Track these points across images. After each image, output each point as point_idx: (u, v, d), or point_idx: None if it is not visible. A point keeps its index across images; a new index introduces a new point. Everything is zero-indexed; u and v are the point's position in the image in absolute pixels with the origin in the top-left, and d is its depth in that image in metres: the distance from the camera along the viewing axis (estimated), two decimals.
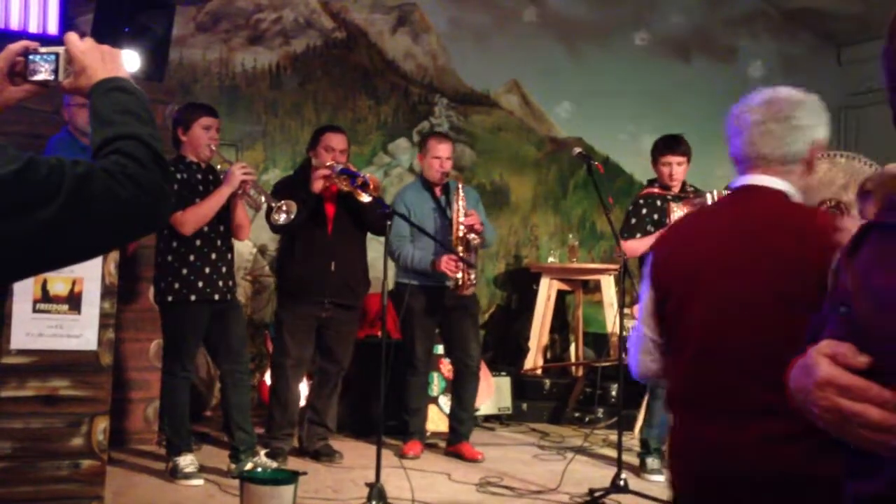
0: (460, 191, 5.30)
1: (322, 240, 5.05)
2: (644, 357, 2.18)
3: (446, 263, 5.13)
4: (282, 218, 4.73)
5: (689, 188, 5.27)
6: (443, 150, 5.38)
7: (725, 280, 2.00)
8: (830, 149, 3.99)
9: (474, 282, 5.28)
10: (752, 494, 1.89)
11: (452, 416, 5.49)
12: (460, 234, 5.24)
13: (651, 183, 5.39)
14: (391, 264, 4.80)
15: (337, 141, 5.09)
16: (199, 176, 4.70)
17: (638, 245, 5.01)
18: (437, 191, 5.42)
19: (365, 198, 4.84)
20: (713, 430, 1.96)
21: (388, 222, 4.52)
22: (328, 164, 4.95)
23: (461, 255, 5.15)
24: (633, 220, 5.21)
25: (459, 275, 5.15)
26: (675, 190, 5.19)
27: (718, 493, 1.95)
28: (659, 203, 5.17)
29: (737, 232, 2.03)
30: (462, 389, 5.42)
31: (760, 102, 2.05)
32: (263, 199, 4.82)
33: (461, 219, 5.24)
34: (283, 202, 4.74)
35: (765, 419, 1.84)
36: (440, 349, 5.75)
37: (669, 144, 5.21)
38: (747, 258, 1.98)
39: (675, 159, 5.16)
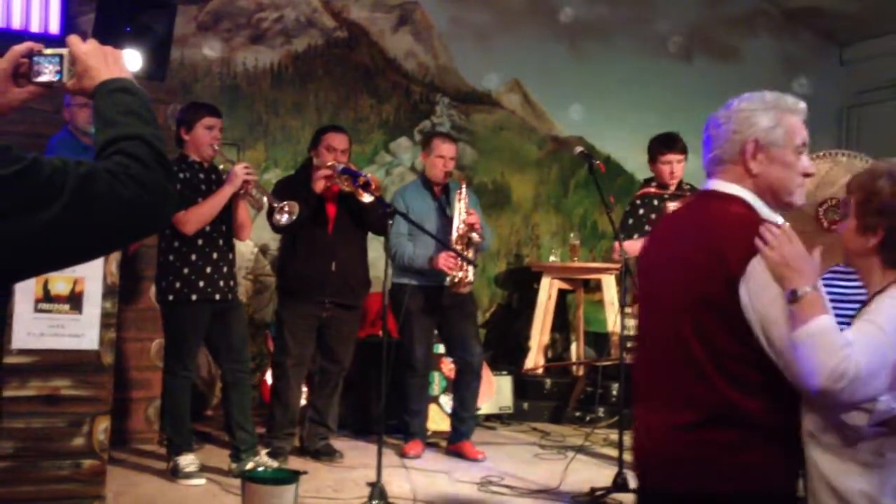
0: (463, 190, 5.30)
1: (323, 239, 5.05)
2: None
3: (444, 260, 5.13)
4: (283, 219, 4.73)
5: (686, 186, 5.26)
6: (447, 150, 5.38)
7: (657, 282, 2.22)
8: (832, 148, 4.00)
9: (472, 280, 5.28)
10: (661, 470, 2.16)
11: (454, 416, 5.49)
12: (461, 232, 5.24)
13: (648, 182, 5.38)
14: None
15: (338, 141, 5.09)
16: (202, 175, 4.71)
17: (636, 245, 5.00)
18: (437, 191, 5.42)
19: (366, 198, 4.84)
20: (645, 416, 2.24)
21: (390, 222, 4.52)
22: (329, 163, 4.95)
23: (461, 252, 5.15)
24: (631, 221, 5.20)
25: (459, 273, 5.15)
26: (673, 188, 5.19)
27: (647, 468, 2.24)
28: (656, 202, 5.17)
29: (678, 236, 2.20)
30: (463, 389, 5.42)
31: (710, 116, 2.24)
32: (265, 199, 4.82)
33: (462, 217, 5.24)
34: (285, 203, 4.73)
35: (674, 409, 2.10)
36: (441, 348, 5.75)
37: (668, 143, 5.20)
38: (674, 262, 2.15)
39: (675, 157, 5.17)
